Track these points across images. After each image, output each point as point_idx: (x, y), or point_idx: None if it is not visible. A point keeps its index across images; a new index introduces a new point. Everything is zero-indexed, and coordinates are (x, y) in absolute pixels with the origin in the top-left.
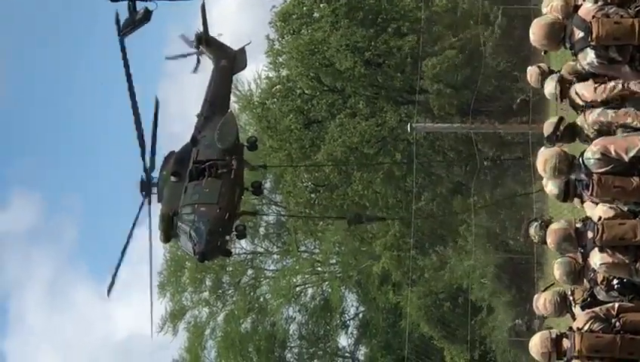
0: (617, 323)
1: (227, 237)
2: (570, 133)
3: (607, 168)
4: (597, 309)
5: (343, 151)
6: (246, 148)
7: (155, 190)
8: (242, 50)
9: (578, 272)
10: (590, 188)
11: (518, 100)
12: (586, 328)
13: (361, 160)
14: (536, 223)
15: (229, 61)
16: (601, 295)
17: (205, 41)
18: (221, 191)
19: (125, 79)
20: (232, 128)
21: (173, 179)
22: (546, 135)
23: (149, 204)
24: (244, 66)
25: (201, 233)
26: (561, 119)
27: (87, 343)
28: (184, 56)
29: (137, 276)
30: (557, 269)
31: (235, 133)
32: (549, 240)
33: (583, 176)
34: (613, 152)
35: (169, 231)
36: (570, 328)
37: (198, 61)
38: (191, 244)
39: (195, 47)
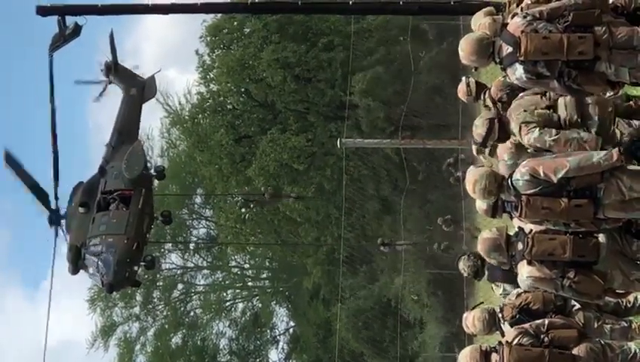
0: (546, 339)
1: (136, 268)
2: (503, 134)
3: (536, 189)
4: (527, 325)
5: (274, 167)
6: (154, 177)
7: (63, 221)
8: (152, 79)
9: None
10: (519, 210)
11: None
12: (515, 342)
13: (292, 175)
14: (464, 256)
15: (138, 90)
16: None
17: (114, 70)
18: (129, 221)
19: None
20: (140, 158)
21: (81, 209)
22: (478, 140)
23: (56, 235)
24: (153, 95)
25: (109, 264)
26: (492, 124)
27: (17, 350)
28: (93, 83)
29: (69, 283)
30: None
31: (142, 162)
32: (479, 248)
33: (511, 198)
34: (541, 173)
35: (77, 263)
36: (500, 342)
37: (104, 89)
38: (99, 275)
39: (104, 76)
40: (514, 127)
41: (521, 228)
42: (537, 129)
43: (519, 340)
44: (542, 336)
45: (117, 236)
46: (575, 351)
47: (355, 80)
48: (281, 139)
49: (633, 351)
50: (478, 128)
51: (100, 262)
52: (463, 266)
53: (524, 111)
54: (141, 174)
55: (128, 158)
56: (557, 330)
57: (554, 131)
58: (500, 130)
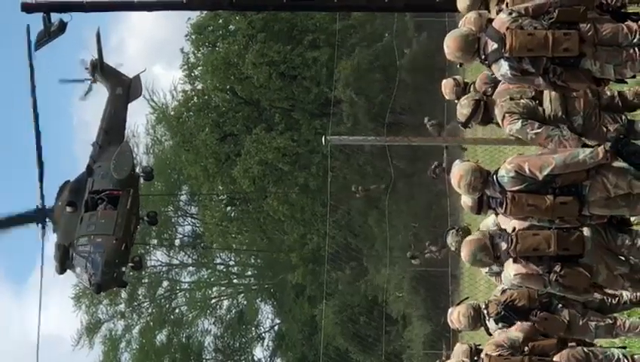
0: (526, 348)
1: (123, 269)
2: (486, 117)
3: (521, 186)
4: (501, 340)
5: (259, 170)
6: (142, 177)
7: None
8: (137, 78)
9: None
10: (504, 206)
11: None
12: (495, 354)
13: (277, 175)
14: (452, 230)
15: (124, 89)
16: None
17: (100, 69)
18: (117, 221)
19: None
20: (129, 158)
21: (68, 209)
22: (461, 120)
23: (43, 235)
24: (139, 94)
25: (97, 264)
26: (477, 105)
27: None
28: (79, 81)
29: (54, 278)
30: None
31: (130, 163)
32: (463, 253)
33: (497, 194)
34: (527, 171)
35: (64, 262)
36: (481, 356)
37: (89, 88)
38: (87, 275)
39: (89, 75)
40: (498, 113)
41: (503, 229)
42: (520, 121)
43: (500, 351)
44: (522, 346)
45: (105, 236)
46: (556, 358)
47: (339, 71)
48: (266, 139)
49: (616, 356)
50: (464, 108)
51: (88, 262)
52: (451, 241)
53: (511, 99)
54: (129, 175)
55: (117, 159)
56: (535, 342)
57: (536, 125)
58: (484, 112)
